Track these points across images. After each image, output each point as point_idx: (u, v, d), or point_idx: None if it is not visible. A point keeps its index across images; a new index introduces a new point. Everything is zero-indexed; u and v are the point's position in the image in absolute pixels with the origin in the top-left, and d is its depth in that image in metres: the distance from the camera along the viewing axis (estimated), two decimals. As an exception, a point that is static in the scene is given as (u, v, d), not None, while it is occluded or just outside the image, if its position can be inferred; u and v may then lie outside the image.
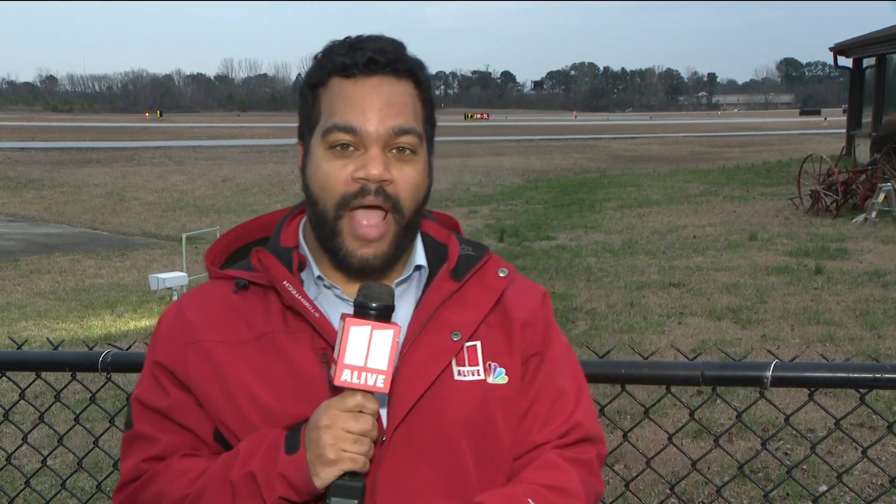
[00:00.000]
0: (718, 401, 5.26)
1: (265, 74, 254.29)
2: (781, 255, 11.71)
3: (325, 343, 1.30)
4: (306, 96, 1.39)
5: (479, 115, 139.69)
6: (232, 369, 1.31)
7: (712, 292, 9.47)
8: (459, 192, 23.23)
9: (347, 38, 1.39)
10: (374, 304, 1.22)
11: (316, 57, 1.39)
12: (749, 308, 8.68)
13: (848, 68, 26.42)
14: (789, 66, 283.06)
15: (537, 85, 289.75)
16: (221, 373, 1.32)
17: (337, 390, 1.23)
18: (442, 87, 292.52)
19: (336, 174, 1.32)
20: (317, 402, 1.25)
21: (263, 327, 1.33)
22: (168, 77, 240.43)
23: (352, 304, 1.25)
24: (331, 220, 1.33)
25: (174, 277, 10.03)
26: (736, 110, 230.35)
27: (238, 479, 1.25)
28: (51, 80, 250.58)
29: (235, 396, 1.30)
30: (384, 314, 1.23)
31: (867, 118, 24.80)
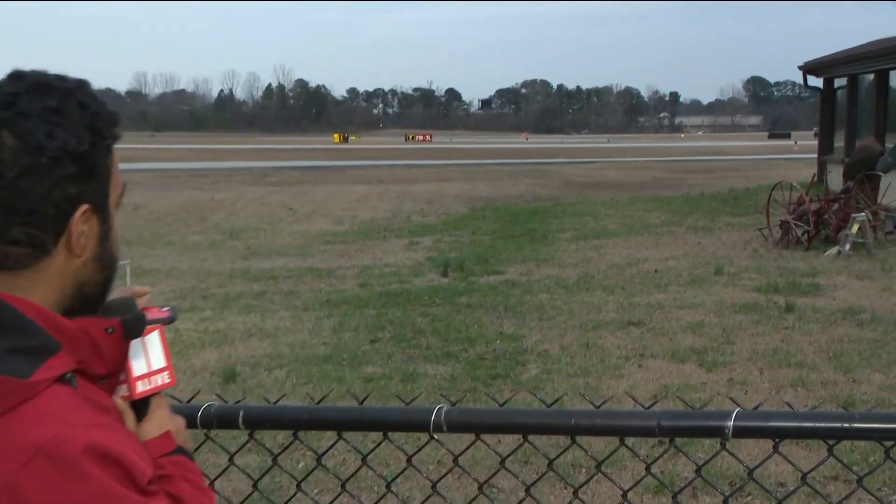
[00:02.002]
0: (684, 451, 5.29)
1: (183, 90, 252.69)
2: (749, 290, 11.91)
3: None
4: (102, 154, 1.32)
5: (421, 137, 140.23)
6: None
7: (675, 332, 9.58)
8: (399, 221, 23.25)
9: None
10: (128, 316, 1.35)
11: (100, 111, 1.32)
12: (715, 349, 8.79)
13: (818, 89, 27.10)
14: (757, 86, 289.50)
15: (485, 104, 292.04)
16: None
17: (137, 404, 1.40)
18: (380, 105, 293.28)
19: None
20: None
21: None
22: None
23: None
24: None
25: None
26: (700, 133, 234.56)
27: None
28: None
29: None
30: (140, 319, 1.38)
31: (839, 142, 25.45)
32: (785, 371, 8.00)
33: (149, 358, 1.41)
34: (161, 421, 1.43)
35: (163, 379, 1.43)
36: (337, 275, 14.69)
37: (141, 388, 1.39)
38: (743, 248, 16.14)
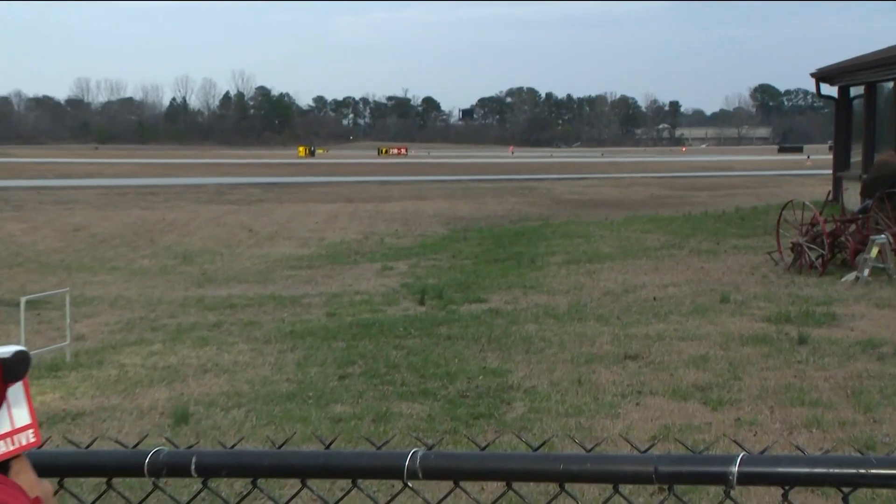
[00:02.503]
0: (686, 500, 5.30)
1: (130, 98, 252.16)
2: (759, 321, 11.96)
3: None
4: None
5: (395, 150, 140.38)
6: None
7: (676, 366, 9.61)
8: (371, 243, 23.26)
9: None
10: None
11: None
12: (720, 386, 8.82)
13: (833, 98, 27.29)
14: (765, 95, 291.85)
15: (466, 114, 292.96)
16: None
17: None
18: (350, 115, 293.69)
19: None
20: None
21: None
22: (5, 100, 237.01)
23: None
24: None
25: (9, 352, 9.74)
26: (703, 146, 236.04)
27: None
28: None
29: None
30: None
31: (857, 157, 25.61)
32: (798, 410, 8.03)
33: (11, 414, 1.32)
34: (27, 487, 1.37)
35: (27, 438, 1.35)
36: (302, 303, 14.66)
37: (3, 448, 1.32)
38: (751, 274, 16.23)
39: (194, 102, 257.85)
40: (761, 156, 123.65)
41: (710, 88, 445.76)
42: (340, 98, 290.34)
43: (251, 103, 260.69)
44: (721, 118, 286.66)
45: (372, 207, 33.90)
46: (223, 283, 17.28)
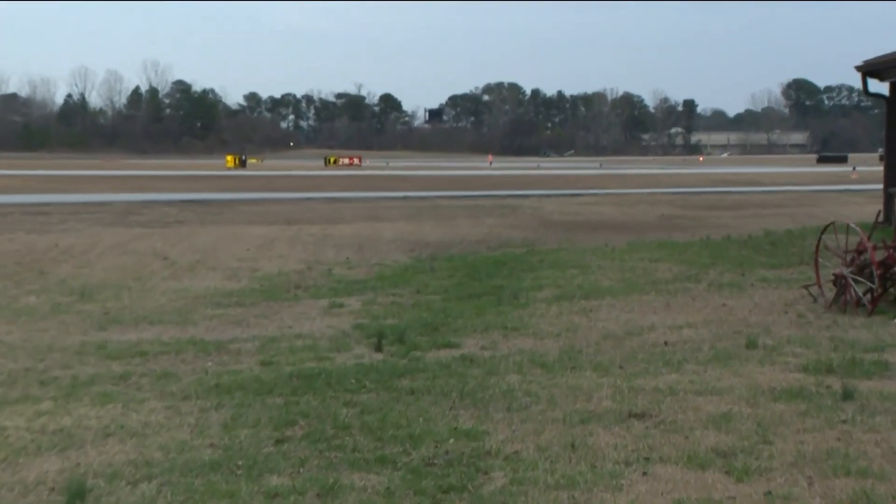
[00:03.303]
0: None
1: (14, 95, 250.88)
2: (793, 371, 12.01)
3: None
4: None
5: (347, 160, 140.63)
6: None
7: (692, 427, 9.62)
8: (316, 275, 23.21)
9: None
10: None
11: None
12: (747, 451, 8.83)
13: (883, 96, 27.53)
14: (801, 92, 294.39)
15: (433, 115, 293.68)
16: None
17: None
18: (291, 117, 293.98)
19: None
20: None
21: None
22: None
23: None
24: None
25: None
26: (725, 155, 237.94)
27: None
28: None
29: None
30: None
31: (913, 169, 25.83)
32: (842, 482, 8.05)
33: None
34: None
35: None
36: (230, 350, 14.60)
37: None
38: (784, 313, 16.30)
39: (95, 100, 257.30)
40: (796, 167, 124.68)
41: (733, 84, 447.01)
42: (278, 95, 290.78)
43: (167, 101, 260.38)
44: (747, 121, 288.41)
45: (317, 231, 33.83)
46: (131, 324, 17.18)
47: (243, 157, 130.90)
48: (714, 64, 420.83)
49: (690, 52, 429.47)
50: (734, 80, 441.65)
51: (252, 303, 19.44)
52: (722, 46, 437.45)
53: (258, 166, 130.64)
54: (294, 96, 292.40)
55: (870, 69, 26.70)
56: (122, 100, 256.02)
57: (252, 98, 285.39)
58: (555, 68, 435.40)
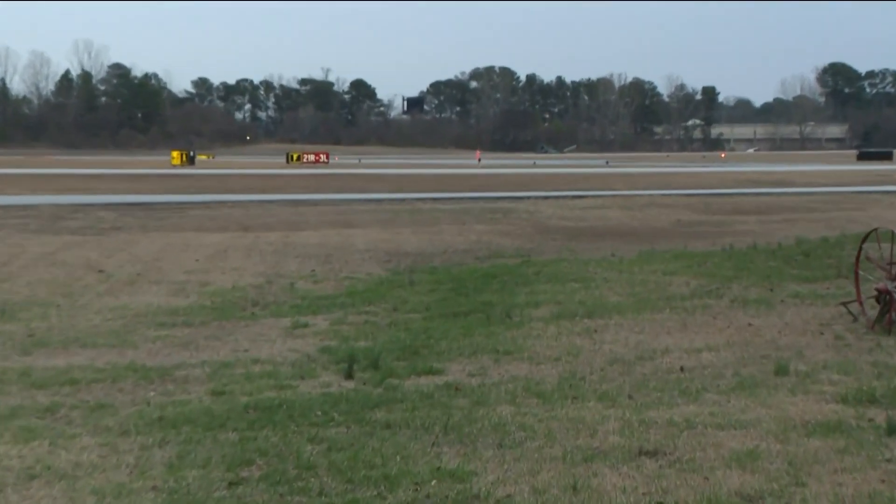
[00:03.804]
0: None
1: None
2: (830, 401, 12.02)
3: None
4: None
5: (312, 156, 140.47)
6: None
7: (713, 467, 9.64)
8: (277, 290, 23.18)
9: None
10: None
11: None
12: (776, 495, 8.85)
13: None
14: (839, 78, 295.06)
15: (413, 104, 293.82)
16: None
17: None
18: (247, 106, 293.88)
19: None
20: None
21: None
22: None
23: None
24: None
25: None
26: (751, 151, 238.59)
27: None
28: None
29: None
30: None
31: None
32: (887, 529, 8.08)
33: None
34: None
35: None
36: (176, 377, 14.56)
37: None
38: (819, 334, 16.33)
39: (18, 86, 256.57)
40: (833, 165, 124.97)
41: (759, 69, 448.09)
42: (232, 81, 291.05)
43: (102, 88, 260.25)
44: (776, 111, 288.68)
45: (278, 238, 33.80)
46: (60, 347, 17.12)
47: (191, 153, 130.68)
48: (738, 45, 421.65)
49: (710, 31, 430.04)
50: (761, 65, 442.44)
51: (202, 322, 19.40)
52: (747, 25, 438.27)
53: (209, 163, 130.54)
54: (251, 82, 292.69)
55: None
56: (49, 86, 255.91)
57: (202, 84, 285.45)
58: (554, 50, 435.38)
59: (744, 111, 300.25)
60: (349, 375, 14.30)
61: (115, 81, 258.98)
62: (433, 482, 9.34)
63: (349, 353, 15.60)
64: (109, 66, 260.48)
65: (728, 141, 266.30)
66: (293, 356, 15.94)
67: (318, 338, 17.62)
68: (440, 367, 14.79)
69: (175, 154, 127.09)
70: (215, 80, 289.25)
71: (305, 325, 18.78)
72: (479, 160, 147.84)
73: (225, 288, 23.63)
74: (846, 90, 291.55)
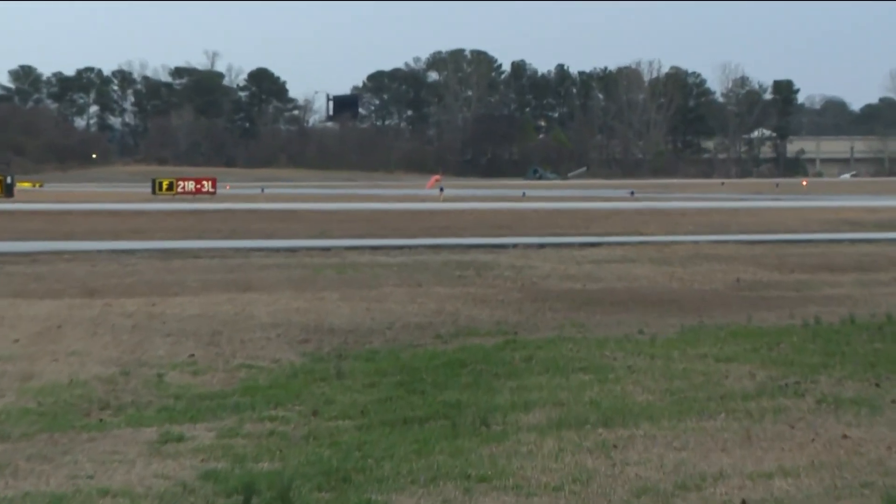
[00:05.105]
0: None
1: None
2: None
3: None
4: None
5: (193, 184, 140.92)
6: None
7: None
8: (137, 386, 23.14)
9: None
10: None
11: None
12: None
13: None
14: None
15: (342, 106, 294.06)
16: None
17: None
18: (94, 108, 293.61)
19: None
20: None
21: None
22: None
23: None
24: None
25: None
26: (847, 176, 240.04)
27: None
28: None
29: None
30: None
31: None
32: None
33: None
34: None
35: None
36: (-17, 519, 14.52)
37: None
38: (948, 451, 16.42)
39: None
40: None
41: (858, 59, 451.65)
42: (71, 72, 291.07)
43: None
44: (883, 118, 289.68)
45: (140, 308, 33.81)
46: None
47: (8, 180, 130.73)
48: (824, 24, 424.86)
49: (783, 5, 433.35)
50: (860, 53, 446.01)
51: (23, 435, 19.32)
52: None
53: (35, 194, 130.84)
54: (98, 73, 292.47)
55: None
56: None
57: (24, 76, 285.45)
58: (553, 28, 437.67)
59: (836, 117, 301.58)
60: (245, 514, 14.29)
61: None
62: None
63: (245, 481, 15.53)
64: None
65: (813, 161, 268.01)
66: (161, 486, 15.83)
67: (199, 457, 17.52)
68: (381, 499, 14.75)
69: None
70: (45, 70, 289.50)
71: (180, 439, 18.69)
72: (441, 189, 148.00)
73: (59, 383, 23.56)
74: None
